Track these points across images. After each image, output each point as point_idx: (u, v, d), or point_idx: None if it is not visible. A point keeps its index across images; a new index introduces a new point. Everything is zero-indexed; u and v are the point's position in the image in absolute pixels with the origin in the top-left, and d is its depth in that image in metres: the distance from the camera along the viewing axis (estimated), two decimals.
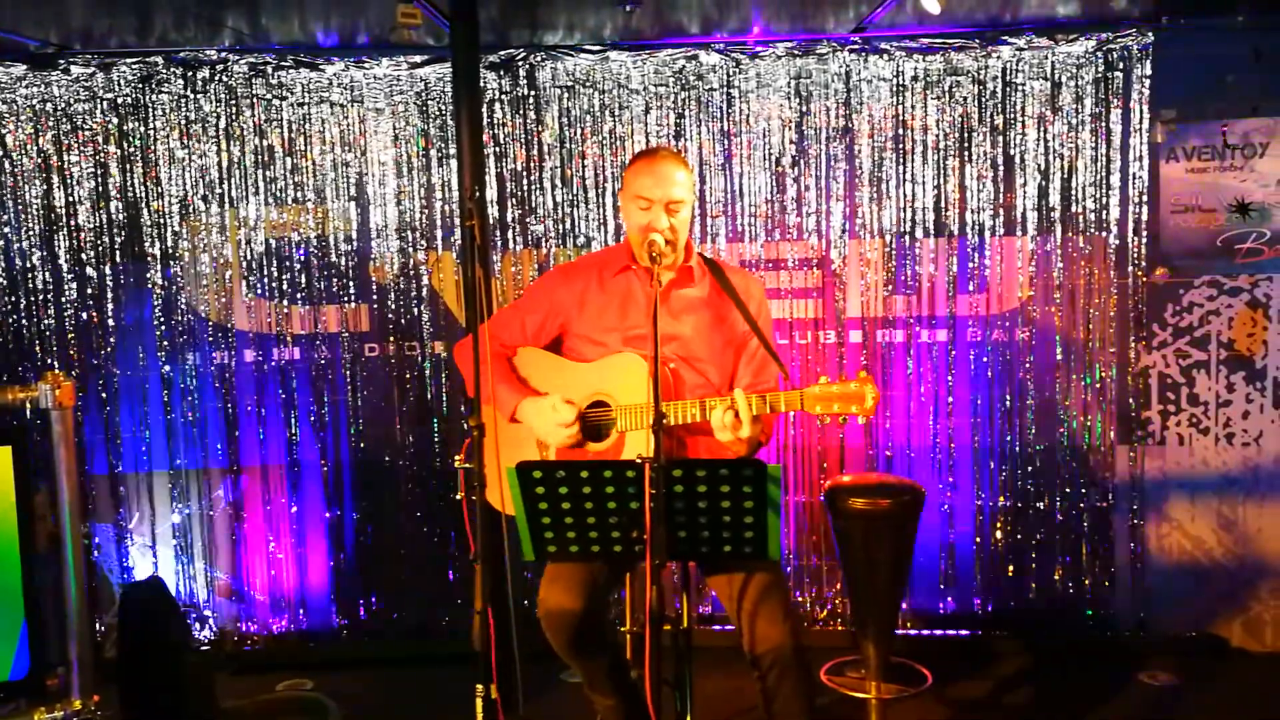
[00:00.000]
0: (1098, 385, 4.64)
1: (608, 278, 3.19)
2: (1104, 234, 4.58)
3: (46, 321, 4.69)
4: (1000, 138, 4.58)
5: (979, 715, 4.15)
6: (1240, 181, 4.49)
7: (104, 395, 4.72)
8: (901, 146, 4.61)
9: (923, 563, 4.67)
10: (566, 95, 4.66)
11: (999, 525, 4.70)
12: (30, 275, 4.67)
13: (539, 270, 4.70)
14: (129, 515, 4.77)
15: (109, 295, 4.70)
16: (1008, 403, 4.67)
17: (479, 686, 2.67)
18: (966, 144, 4.59)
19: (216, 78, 4.63)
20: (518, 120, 4.67)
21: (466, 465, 2.70)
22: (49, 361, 4.66)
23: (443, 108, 4.64)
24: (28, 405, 2.83)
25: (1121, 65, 4.49)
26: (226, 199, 4.70)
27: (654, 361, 2.63)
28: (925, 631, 4.71)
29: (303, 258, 4.74)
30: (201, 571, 4.80)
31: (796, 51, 4.56)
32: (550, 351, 3.27)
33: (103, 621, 4.63)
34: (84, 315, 4.70)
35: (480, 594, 2.63)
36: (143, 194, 4.68)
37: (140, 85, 4.62)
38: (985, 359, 4.67)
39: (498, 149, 4.67)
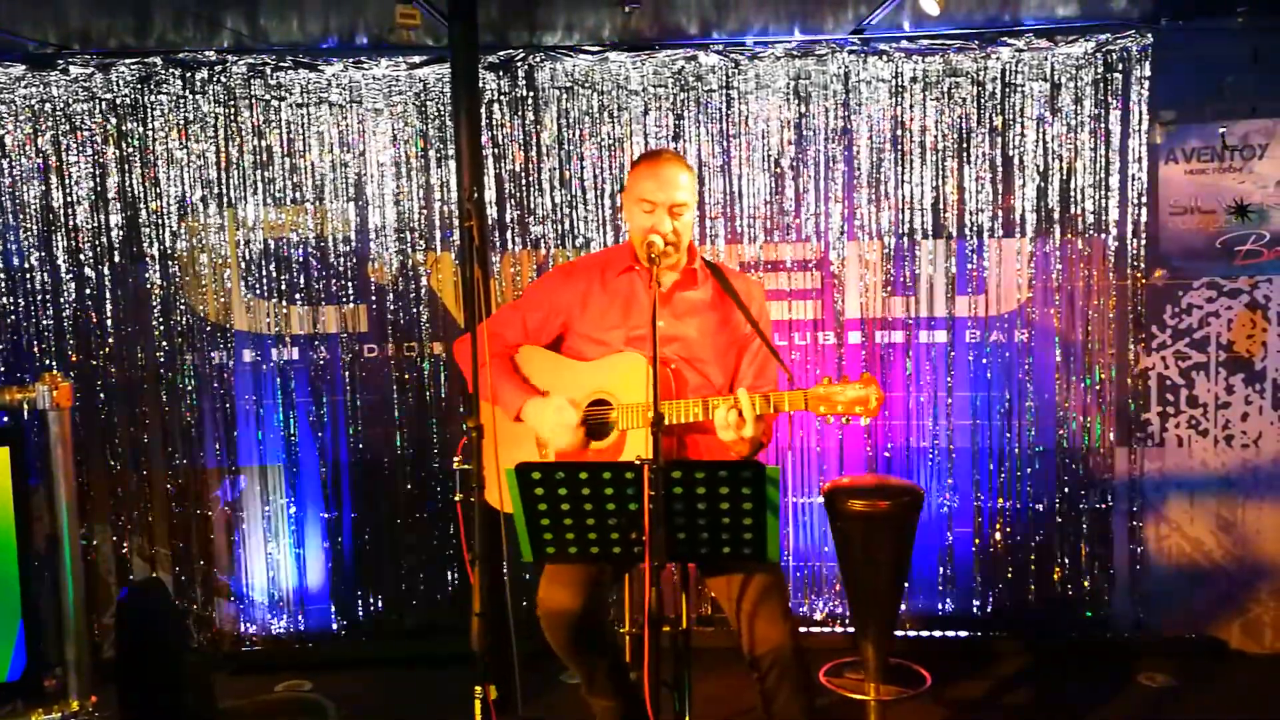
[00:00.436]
0: (1097, 387, 4.64)
1: (611, 278, 3.19)
2: (1103, 235, 4.58)
3: (45, 322, 4.68)
4: (999, 139, 4.58)
5: (978, 716, 4.15)
6: (1239, 183, 4.49)
7: (102, 396, 4.72)
8: (900, 148, 4.61)
9: (922, 564, 4.68)
10: (565, 96, 4.66)
11: (998, 526, 4.70)
12: (29, 275, 4.66)
13: (538, 271, 4.70)
14: (127, 516, 4.76)
15: (107, 295, 4.70)
16: (1007, 404, 4.67)
17: (477, 688, 2.67)
18: (965, 145, 4.59)
19: (215, 78, 4.62)
20: (516, 121, 4.67)
21: (465, 466, 2.70)
22: (47, 362, 4.65)
23: (441, 108, 4.64)
24: (25, 406, 2.83)
25: (1121, 66, 4.49)
26: (225, 199, 4.70)
27: (653, 361, 2.63)
28: (924, 633, 4.71)
29: (301, 258, 4.74)
30: (200, 572, 4.80)
31: (795, 53, 4.57)
32: (550, 350, 3.27)
33: (101, 622, 4.63)
34: (82, 315, 4.69)
35: (479, 595, 2.63)
36: (141, 194, 4.67)
37: (139, 86, 4.62)
38: (984, 360, 4.67)
39: (496, 150, 4.67)
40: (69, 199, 4.65)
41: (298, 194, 4.72)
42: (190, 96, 4.64)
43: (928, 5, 3.82)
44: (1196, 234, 4.54)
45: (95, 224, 4.67)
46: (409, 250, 4.75)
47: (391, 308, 4.77)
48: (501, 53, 4.60)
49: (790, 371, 3.12)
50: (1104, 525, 4.66)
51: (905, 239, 4.65)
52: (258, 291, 4.74)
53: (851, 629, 4.45)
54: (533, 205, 4.70)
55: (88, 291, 4.69)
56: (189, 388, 4.75)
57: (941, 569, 4.74)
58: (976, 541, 4.71)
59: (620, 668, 3.10)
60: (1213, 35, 4.34)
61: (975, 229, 4.63)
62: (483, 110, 4.48)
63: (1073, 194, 4.57)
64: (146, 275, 4.71)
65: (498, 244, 4.70)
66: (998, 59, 4.53)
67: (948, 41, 4.51)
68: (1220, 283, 4.55)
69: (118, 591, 4.70)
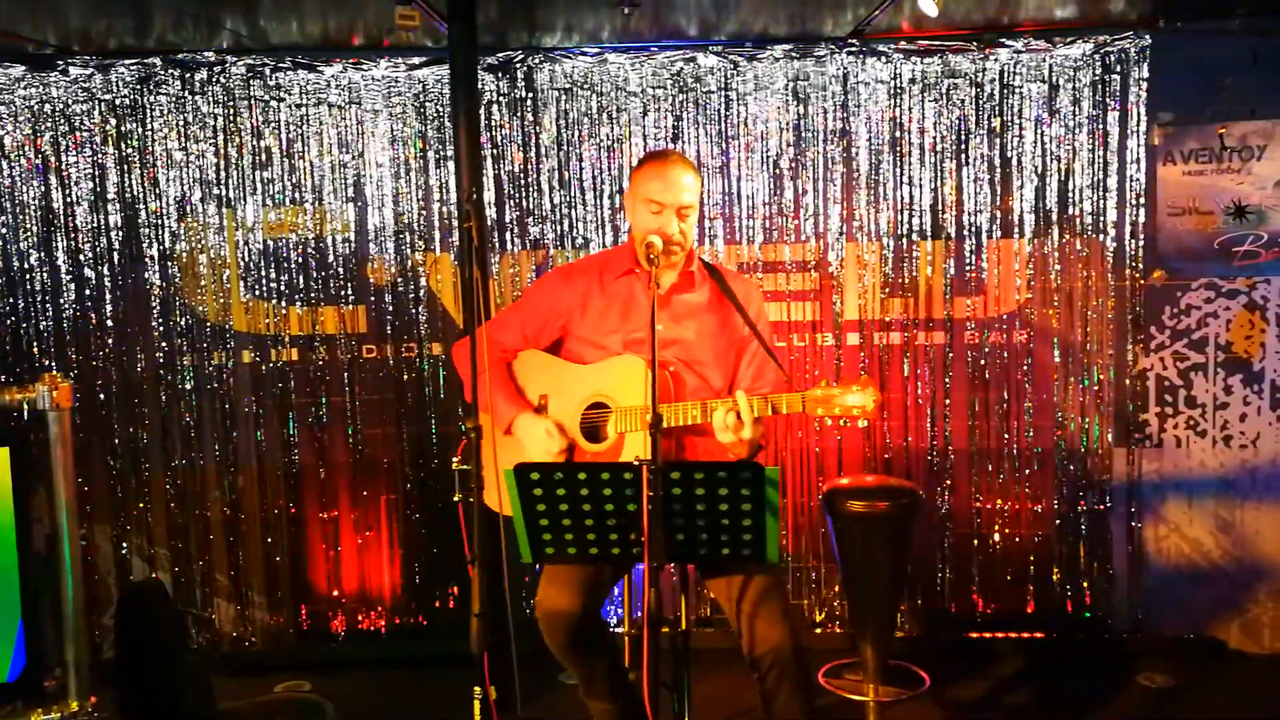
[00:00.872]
0: (1095, 387, 4.64)
1: (609, 281, 3.19)
2: (1101, 236, 4.58)
3: (45, 323, 4.68)
4: (998, 140, 4.58)
5: (977, 717, 4.16)
6: (1238, 184, 4.49)
7: (102, 396, 4.72)
8: (899, 149, 4.62)
9: (921, 565, 4.68)
10: (564, 97, 4.66)
11: (997, 527, 4.71)
12: (28, 276, 4.67)
13: (537, 272, 4.70)
14: (127, 516, 4.76)
15: (107, 296, 4.70)
16: (1005, 405, 4.68)
17: (476, 688, 2.67)
18: (964, 146, 4.59)
19: (214, 79, 4.63)
20: (516, 122, 4.67)
21: (464, 467, 2.70)
22: (47, 363, 4.65)
23: (441, 109, 4.65)
24: (26, 406, 2.83)
25: (1119, 68, 4.49)
26: (224, 200, 4.70)
27: (652, 364, 2.64)
28: (923, 634, 4.71)
29: (300, 259, 4.74)
30: (199, 572, 4.80)
31: (794, 54, 4.57)
32: (550, 353, 3.27)
33: (101, 623, 4.63)
34: (82, 316, 4.70)
35: (478, 596, 2.63)
36: (141, 195, 4.68)
37: (138, 86, 4.62)
38: (983, 361, 4.68)
39: (496, 151, 4.67)
40: (68, 200, 4.65)
41: (297, 195, 4.72)
42: (189, 97, 4.64)
43: (926, 6, 3.83)
44: (1194, 235, 4.54)
45: (95, 225, 4.67)
46: (408, 251, 4.75)
47: (390, 308, 4.77)
48: (500, 54, 4.60)
49: (788, 374, 3.12)
50: (1103, 526, 4.67)
51: (904, 240, 4.66)
52: (257, 292, 4.75)
53: (851, 630, 4.45)
54: (532, 206, 4.71)
55: (87, 292, 4.69)
56: (188, 388, 4.75)
57: (940, 570, 4.74)
58: (975, 542, 4.72)
59: (619, 670, 3.10)
60: (1211, 37, 4.34)
61: (974, 230, 4.63)
62: (482, 111, 4.49)
63: (1071, 195, 4.58)
64: (146, 276, 4.71)
65: (497, 245, 4.70)
66: (996, 60, 4.54)
67: (946, 43, 4.52)
68: (1218, 284, 4.56)
69: (117, 592, 4.71)
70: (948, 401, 4.70)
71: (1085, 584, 4.69)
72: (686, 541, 2.69)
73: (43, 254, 4.67)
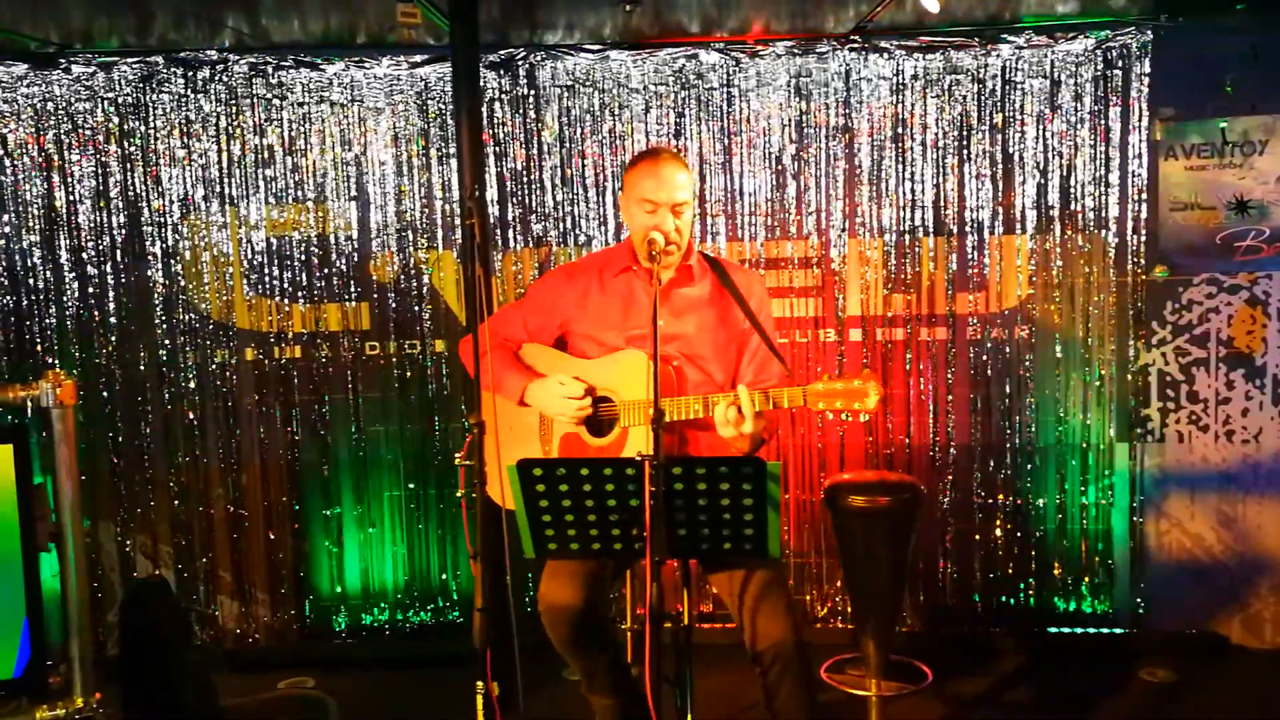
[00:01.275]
0: (1097, 383, 4.64)
1: (609, 278, 3.20)
2: (1103, 232, 4.58)
3: (48, 320, 4.69)
4: (1000, 136, 4.58)
5: (979, 712, 4.16)
6: (1239, 179, 4.49)
7: (105, 394, 4.73)
8: (901, 145, 4.62)
9: (923, 560, 4.68)
10: (566, 94, 4.67)
11: (998, 523, 4.71)
12: (32, 274, 4.68)
13: (539, 269, 4.70)
14: (130, 513, 4.77)
15: (110, 294, 4.71)
16: (1007, 400, 4.68)
17: (479, 684, 2.67)
18: (966, 142, 4.60)
19: (217, 77, 4.63)
20: (518, 119, 4.68)
21: (467, 463, 2.71)
22: (50, 360, 4.67)
23: (443, 107, 4.65)
24: (29, 403, 2.84)
25: (1121, 63, 4.49)
26: (227, 198, 4.71)
27: (653, 359, 2.64)
28: (926, 629, 4.72)
29: (303, 256, 4.75)
30: (203, 569, 4.81)
31: (796, 50, 4.57)
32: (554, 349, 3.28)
33: (106, 620, 4.64)
34: (85, 314, 4.71)
35: (480, 590, 2.63)
36: (144, 193, 4.69)
37: (141, 85, 4.63)
38: (985, 357, 4.68)
39: (498, 148, 4.68)
40: (71, 198, 4.66)
41: (299, 192, 4.73)
42: (192, 95, 4.65)
43: (928, 2, 3.83)
44: (1196, 230, 4.54)
45: (98, 223, 4.68)
46: (411, 249, 4.76)
47: (393, 306, 4.78)
48: (502, 51, 4.61)
49: (789, 368, 3.12)
50: (1105, 521, 4.67)
51: (906, 236, 4.66)
52: (260, 290, 4.75)
53: (853, 625, 4.46)
54: (534, 203, 4.71)
55: (90, 290, 4.70)
56: (191, 386, 4.76)
57: (942, 565, 4.74)
58: (977, 538, 4.72)
59: (620, 665, 3.11)
60: (1213, 32, 4.34)
61: (976, 226, 4.63)
62: (484, 109, 4.49)
63: (1073, 190, 4.58)
64: (149, 274, 4.72)
65: (499, 242, 4.71)
66: (998, 56, 4.54)
67: (948, 39, 4.52)
68: (1220, 279, 4.56)
69: (121, 589, 4.72)
70: (950, 397, 4.70)
71: (1087, 579, 4.69)
72: (688, 536, 2.70)
73: (46, 252, 4.68)
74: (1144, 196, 4.55)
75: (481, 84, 4.37)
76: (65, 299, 4.69)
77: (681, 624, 3.12)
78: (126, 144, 4.66)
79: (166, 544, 4.80)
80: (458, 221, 4.69)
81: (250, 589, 4.83)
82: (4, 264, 4.66)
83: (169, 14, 4.20)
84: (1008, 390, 4.68)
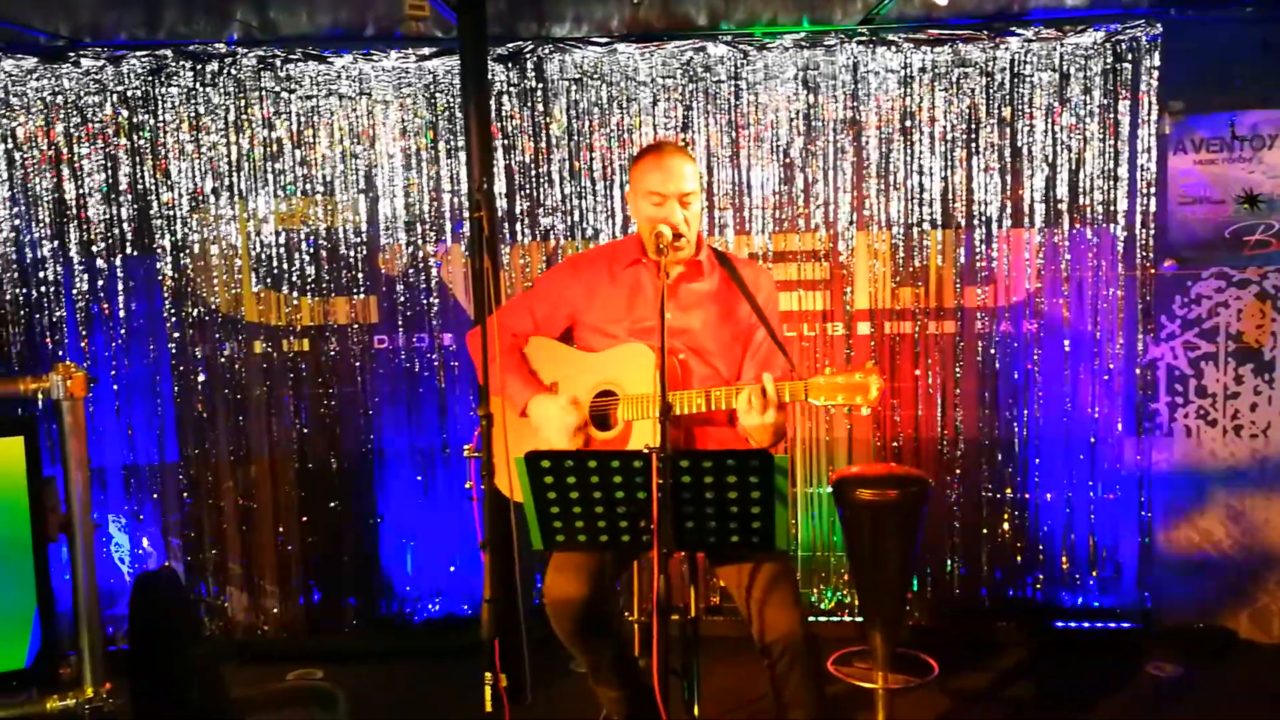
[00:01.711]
0: (1105, 377, 4.64)
1: (618, 270, 3.21)
2: (1112, 226, 4.58)
3: (58, 313, 4.71)
4: (1008, 129, 4.58)
5: (985, 706, 4.17)
6: (1249, 173, 4.48)
7: (115, 387, 4.75)
8: (909, 138, 4.61)
9: (930, 554, 4.68)
10: (574, 87, 4.67)
11: (1006, 517, 4.71)
12: (41, 267, 4.69)
13: (547, 263, 4.71)
14: (141, 505, 4.79)
15: (119, 287, 4.72)
16: (1015, 394, 4.67)
17: (487, 674, 2.68)
18: (974, 135, 4.59)
19: (225, 70, 4.64)
20: (526, 113, 4.68)
21: (476, 454, 2.71)
22: (60, 353, 4.68)
23: (451, 100, 4.66)
24: (40, 396, 2.85)
25: (1130, 56, 4.48)
26: (236, 191, 4.72)
27: (661, 352, 2.65)
28: (933, 622, 4.72)
29: (312, 250, 4.76)
30: (212, 561, 4.83)
31: (804, 43, 4.57)
32: (560, 342, 3.28)
33: (115, 611, 4.66)
34: (95, 307, 4.72)
35: (488, 581, 2.64)
36: (153, 186, 4.70)
37: (150, 78, 4.64)
38: (993, 351, 4.67)
39: (506, 141, 4.68)
40: (81, 191, 4.67)
41: (308, 186, 4.74)
42: (201, 89, 4.66)
43: None
44: (1205, 224, 4.53)
45: (107, 216, 4.70)
46: (419, 242, 4.77)
47: (401, 299, 4.78)
48: (510, 44, 4.61)
49: (795, 363, 3.12)
50: (1112, 515, 4.67)
51: (914, 229, 4.66)
52: (268, 283, 4.77)
53: (860, 619, 4.46)
54: (542, 197, 4.72)
55: (100, 283, 4.72)
56: (200, 379, 4.77)
57: (950, 559, 4.74)
58: (984, 531, 4.72)
59: (626, 658, 3.11)
60: (1222, 25, 4.33)
61: (984, 219, 4.63)
62: (492, 102, 4.49)
63: (1081, 184, 4.57)
64: (158, 267, 4.73)
65: (507, 235, 4.71)
66: (1006, 49, 4.53)
67: (956, 32, 4.51)
68: (1229, 273, 4.55)
69: (131, 580, 4.74)
70: (958, 391, 4.70)
71: (1094, 573, 4.69)
72: (696, 529, 2.70)
73: (56, 245, 4.69)
74: (1153, 190, 4.54)
75: (490, 77, 4.37)
76: (75, 292, 4.71)
77: (689, 616, 3.14)
78: (135, 137, 4.68)
79: (176, 535, 4.82)
80: (465, 214, 4.69)
81: (259, 581, 4.85)
82: (15, 257, 4.68)
83: (178, 7, 4.21)
84: (1016, 384, 4.67)
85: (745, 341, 3.18)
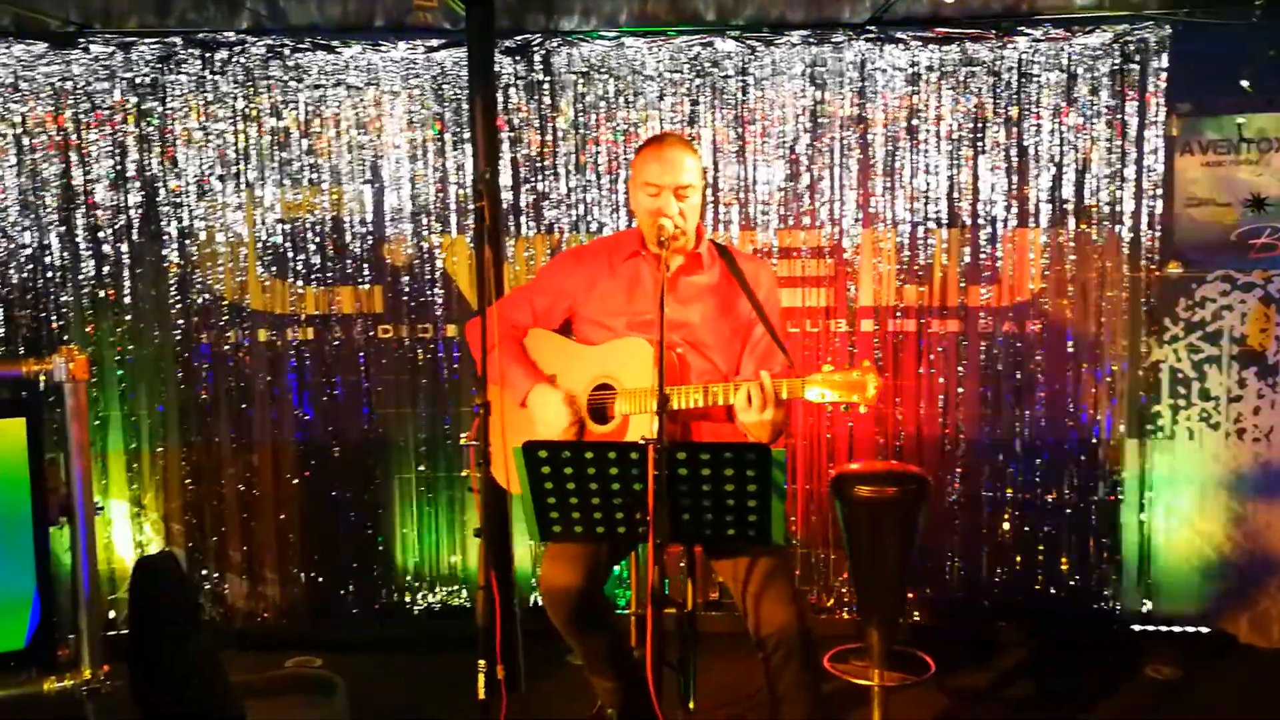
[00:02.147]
0: (1108, 379, 4.63)
1: (617, 262, 3.21)
2: (1117, 227, 4.57)
3: (64, 298, 4.73)
4: (1015, 129, 4.57)
5: (981, 705, 4.17)
6: (1256, 176, 4.47)
7: (119, 372, 4.76)
8: (916, 136, 4.61)
9: (929, 553, 4.68)
10: (581, 81, 4.67)
11: (1006, 517, 4.71)
12: (48, 252, 4.71)
13: (551, 255, 4.71)
14: (142, 490, 4.81)
15: (125, 273, 4.74)
16: (1017, 394, 4.67)
17: (481, 662, 2.69)
18: (981, 135, 4.58)
19: (234, 59, 4.65)
20: (533, 105, 4.69)
21: (473, 443, 2.72)
22: (65, 338, 4.70)
23: (459, 91, 4.66)
24: (42, 378, 2.86)
25: (1138, 58, 4.47)
26: (243, 179, 4.73)
27: (659, 345, 2.65)
28: (930, 621, 4.72)
29: (318, 239, 4.77)
30: (213, 547, 4.84)
31: (812, 39, 4.56)
32: (560, 334, 3.29)
33: (116, 596, 4.68)
34: (101, 292, 4.74)
35: (483, 570, 2.65)
36: (160, 173, 4.71)
37: (159, 65, 4.65)
38: (996, 350, 4.67)
39: (512, 134, 4.69)
40: (88, 176, 4.69)
41: (315, 175, 4.75)
42: (209, 77, 4.67)
43: None
44: (1211, 227, 4.52)
45: (114, 202, 4.71)
46: (424, 233, 4.78)
47: (406, 289, 4.79)
48: (518, 37, 4.61)
49: (791, 359, 3.11)
50: (1113, 517, 4.66)
51: (919, 227, 4.65)
52: (274, 271, 4.78)
53: (858, 616, 4.46)
54: (547, 190, 4.72)
55: (106, 269, 4.73)
56: (204, 365, 4.79)
57: (949, 558, 4.74)
58: (984, 531, 4.72)
59: (622, 648, 3.12)
60: (1231, 28, 4.31)
61: (989, 218, 4.62)
62: (499, 94, 4.50)
63: (1087, 185, 4.57)
64: (164, 254, 4.75)
65: (512, 228, 4.72)
66: (1014, 49, 4.52)
67: (964, 30, 4.50)
68: (1234, 276, 4.54)
69: (132, 565, 4.75)
70: (960, 390, 4.70)
71: (1094, 575, 4.68)
72: (692, 522, 2.71)
73: (63, 230, 4.71)
74: (1159, 192, 4.53)
75: (497, 69, 4.38)
76: (81, 277, 4.72)
77: (686, 610, 3.14)
78: (144, 124, 4.69)
79: (177, 522, 4.84)
80: (471, 206, 4.70)
81: (259, 568, 4.86)
82: (23, 241, 4.69)
83: None
84: (1018, 384, 4.67)
85: (744, 336, 3.18)
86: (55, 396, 2.94)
